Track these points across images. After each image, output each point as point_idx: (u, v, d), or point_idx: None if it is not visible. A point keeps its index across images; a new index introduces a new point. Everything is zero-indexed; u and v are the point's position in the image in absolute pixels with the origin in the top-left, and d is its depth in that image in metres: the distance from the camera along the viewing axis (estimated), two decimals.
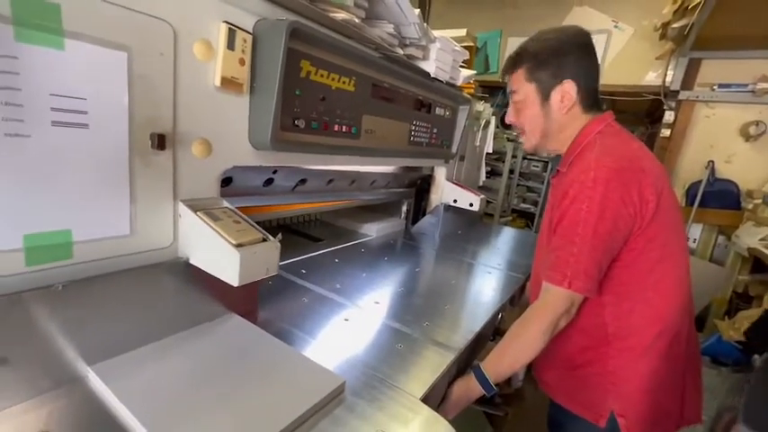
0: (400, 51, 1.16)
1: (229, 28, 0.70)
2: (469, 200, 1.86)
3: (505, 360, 0.87)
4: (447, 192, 1.91)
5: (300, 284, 1.12)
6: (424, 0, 3.72)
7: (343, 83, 0.99)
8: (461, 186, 1.90)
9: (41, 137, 0.52)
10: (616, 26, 2.72)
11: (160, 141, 0.65)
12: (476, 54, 3.31)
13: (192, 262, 0.73)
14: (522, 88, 0.95)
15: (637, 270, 0.84)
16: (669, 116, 2.61)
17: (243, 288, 0.68)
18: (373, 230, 1.77)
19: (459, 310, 1.09)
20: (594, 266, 0.80)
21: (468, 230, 2.18)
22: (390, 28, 1.05)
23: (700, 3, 1.63)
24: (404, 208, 2.05)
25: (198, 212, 0.70)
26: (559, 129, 0.94)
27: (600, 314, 0.88)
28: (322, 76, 0.91)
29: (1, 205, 0.50)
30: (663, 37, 2.29)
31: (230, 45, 0.71)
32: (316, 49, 0.87)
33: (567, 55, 0.88)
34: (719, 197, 2.51)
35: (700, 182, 2.52)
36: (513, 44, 3.11)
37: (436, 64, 1.33)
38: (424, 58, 1.30)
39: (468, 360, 0.91)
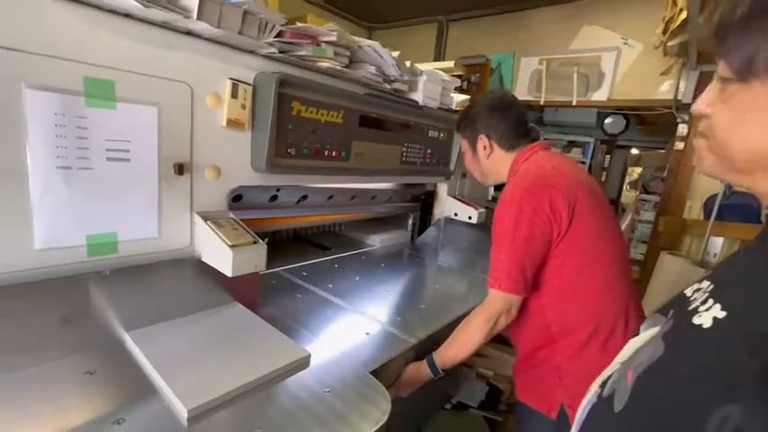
0: (387, 86, 1.37)
1: (233, 83, 0.94)
2: (468, 213, 2.01)
3: (451, 350, 1.02)
4: (448, 206, 2.06)
5: (299, 284, 1.32)
6: (441, 26, 3.95)
7: (332, 116, 1.20)
8: (462, 201, 2.04)
9: (99, 168, 0.76)
10: (625, 43, 2.78)
11: (180, 169, 0.88)
12: (490, 74, 3.47)
13: (203, 259, 0.95)
14: (462, 142, 1.27)
15: (566, 274, 0.96)
16: (682, 129, 2.60)
17: (245, 282, 0.89)
18: (377, 241, 1.96)
19: (432, 310, 1.24)
20: (517, 269, 0.93)
21: (476, 243, 2.30)
22: (373, 69, 1.25)
23: (682, 23, 1.69)
24: (410, 221, 2.22)
25: (208, 222, 0.93)
26: (492, 167, 1.20)
27: (543, 315, 1.00)
28: (312, 112, 1.13)
29: (74, 215, 0.75)
30: (665, 53, 2.33)
31: (234, 95, 0.95)
32: (305, 92, 1.09)
33: (480, 116, 1.17)
34: (739, 210, 2.45)
35: (717, 195, 2.48)
36: (525, 64, 3.23)
37: (424, 94, 1.52)
38: (411, 90, 1.49)
39: (430, 351, 1.06)
